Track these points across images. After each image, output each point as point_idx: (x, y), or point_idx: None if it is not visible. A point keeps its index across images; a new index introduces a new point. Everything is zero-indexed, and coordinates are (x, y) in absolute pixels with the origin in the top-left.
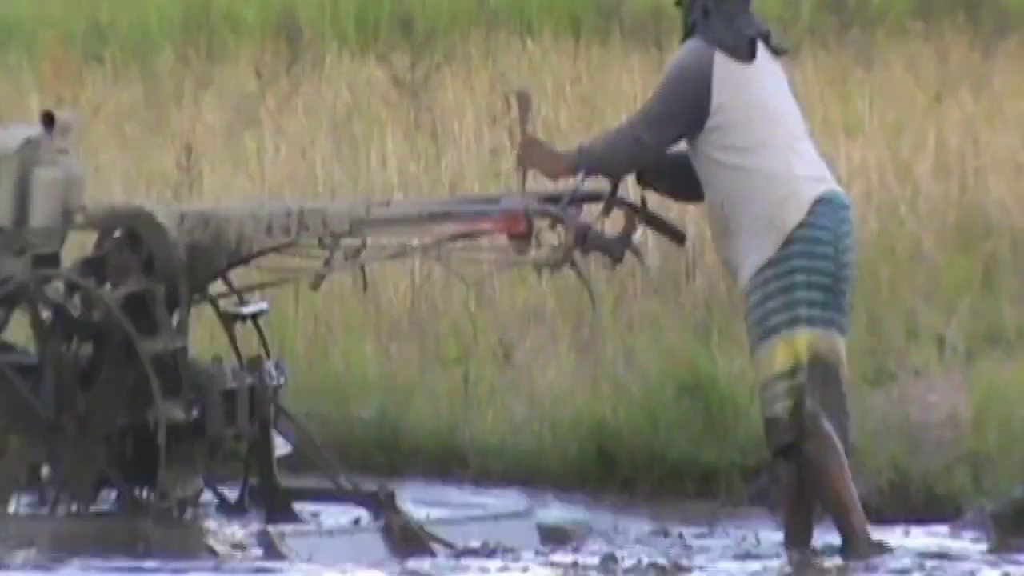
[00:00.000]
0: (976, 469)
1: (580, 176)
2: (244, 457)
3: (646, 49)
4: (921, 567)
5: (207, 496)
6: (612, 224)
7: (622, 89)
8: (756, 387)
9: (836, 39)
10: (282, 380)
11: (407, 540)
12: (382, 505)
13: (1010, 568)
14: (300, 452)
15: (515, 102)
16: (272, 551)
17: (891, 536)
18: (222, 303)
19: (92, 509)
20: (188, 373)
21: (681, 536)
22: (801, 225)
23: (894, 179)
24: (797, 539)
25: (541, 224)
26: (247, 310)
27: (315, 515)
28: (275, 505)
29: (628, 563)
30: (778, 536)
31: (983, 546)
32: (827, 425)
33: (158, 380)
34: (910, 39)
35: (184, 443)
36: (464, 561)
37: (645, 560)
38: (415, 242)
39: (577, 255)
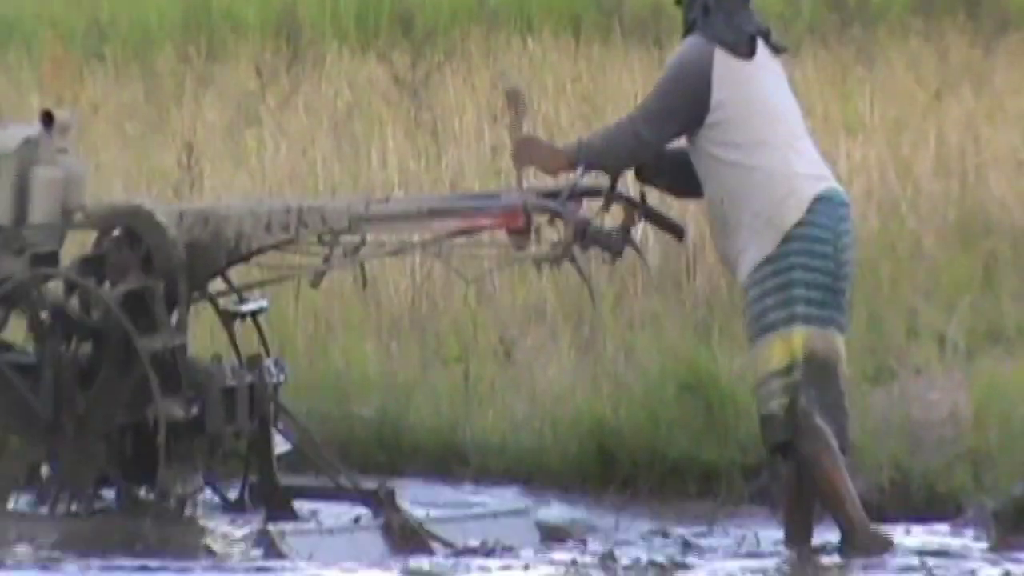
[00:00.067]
0: (977, 467)
1: (579, 171)
2: (244, 455)
3: (646, 48)
4: (922, 565)
5: (207, 494)
6: (612, 220)
7: (622, 87)
8: (752, 383)
9: (837, 37)
10: (282, 378)
11: (407, 538)
12: (382, 503)
13: (1011, 566)
14: (300, 450)
15: (506, 100)
16: (272, 549)
17: (892, 534)
18: (222, 301)
19: (92, 508)
20: (187, 371)
21: (681, 534)
22: (800, 223)
23: (895, 177)
24: (797, 537)
25: (540, 220)
26: (246, 308)
27: (315, 513)
28: (275, 503)
29: (627, 561)
30: (778, 534)
31: (984, 544)
32: (821, 422)
33: (157, 378)
34: (911, 37)
35: (184, 441)
36: (464, 560)
37: (644, 558)
38: (415, 239)
39: (576, 251)
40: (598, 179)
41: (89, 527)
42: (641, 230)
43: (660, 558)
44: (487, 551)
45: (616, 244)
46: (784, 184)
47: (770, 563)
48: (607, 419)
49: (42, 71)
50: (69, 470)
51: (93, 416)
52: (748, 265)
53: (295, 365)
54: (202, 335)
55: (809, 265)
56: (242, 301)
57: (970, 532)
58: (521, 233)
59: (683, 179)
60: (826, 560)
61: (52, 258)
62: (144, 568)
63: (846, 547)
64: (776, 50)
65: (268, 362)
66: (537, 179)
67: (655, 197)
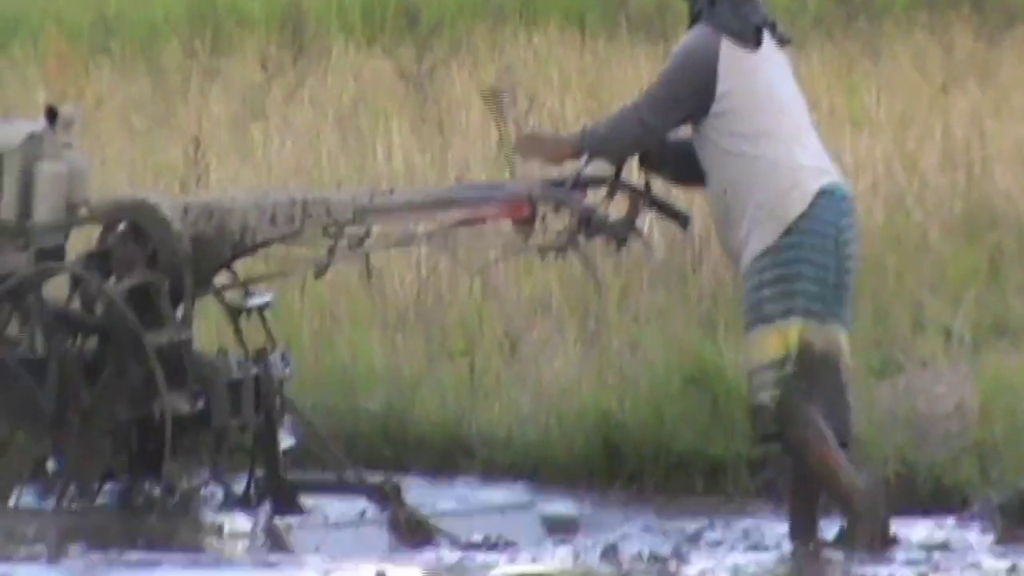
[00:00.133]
0: (983, 460)
1: (584, 160)
2: (250, 450)
3: (652, 42)
4: (928, 558)
5: (213, 489)
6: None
7: (628, 82)
8: (744, 371)
9: (842, 30)
10: (288, 372)
11: (413, 532)
12: (388, 497)
13: (1017, 559)
14: (306, 444)
15: (484, 102)
16: (278, 543)
17: (898, 527)
18: (227, 296)
19: (97, 502)
20: (193, 365)
21: (685, 528)
22: (803, 216)
23: (900, 170)
24: (802, 531)
25: (545, 209)
26: (252, 303)
27: (321, 508)
28: (281, 497)
29: (630, 554)
30: (784, 528)
31: (990, 537)
32: (811, 411)
33: (163, 373)
34: (916, 31)
35: (189, 435)
36: (469, 553)
37: (647, 552)
38: (420, 229)
39: (581, 240)
40: (603, 168)
41: (94, 522)
42: (648, 223)
43: (664, 552)
44: (492, 545)
45: (621, 232)
46: (788, 176)
47: (774, 557)
48: (613, 413)
49: (47, 66)
50: (75, 465)
51: (99, 411)
52: (749, 255)
53: (301, 358)
54: (207, 330)
55: (810, 259)
56: (248, 295)
57: (976, 525)
58: (526, 223)
59: (687, 168)
60: (831, 554)
61: (58, 253)
62: (150, 563)
63: (847, 535)
64: (782, 41)
65: (274, 356)
66: (540, 172)
67: (660, 187)
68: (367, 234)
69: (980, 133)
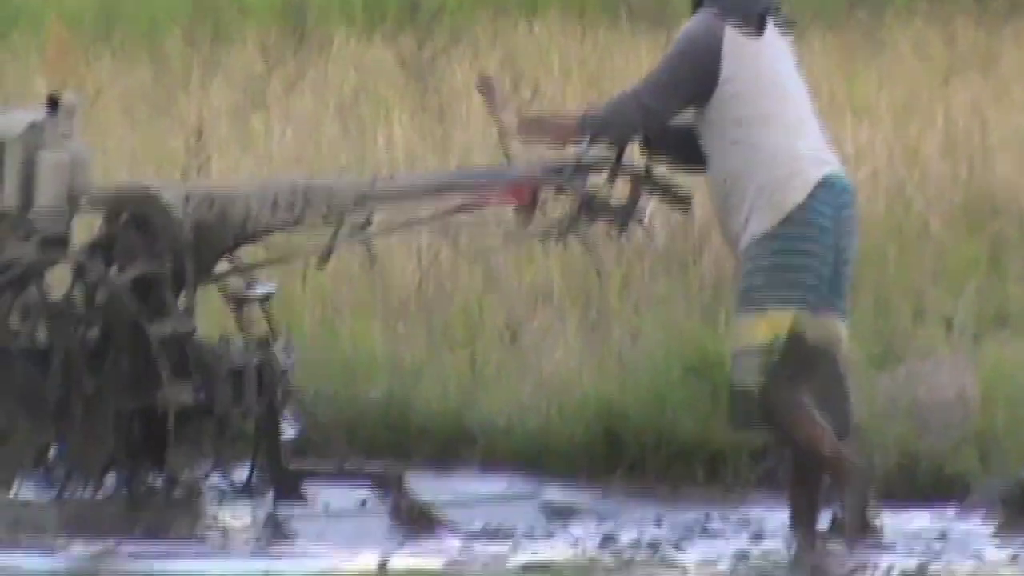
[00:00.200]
0: (984, 450)
1: (584, 144)
2: (253, 439)
3: (653, 31)
4: (928, 548)
5: (215, 479)
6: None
7: (629, 71)
8: (730, 354)
9: (844, 20)
10: (291, 361)
11: (414, 521)
12: (390, 486)
13: (1018, 549)
14: (308, 434)
15: (480, 90)
16: (280, 533)
17: (899, 517)
18: (230, 285)
19: (99, 491)
20: (196, 354)
21: (686, 517)
22: (801, 207)
23: (901, 160)
24: (802, 521)
25: (546, 194)
26: (255, 293)
27: (322, 497)
28: (283, 487)
29: (630, 543)
30: (784, 517)
31: (991, 527)
32: (796, 394)
33: (166, 363)
34: (917, 20)
35: (192, 424)
36: (471, 542)
37: (647, 540)
38: (421, 215)
39: (582, 224)
40: (604, 152)
41: (97, 511)
42: (649, 208)
43: (664, 540)
44: (493, 534)
45: (622, 217)
46: (788, 164)
47: (774, 546)
48: (614, 402)
49: (48, 55)
50: (77, 454)
51: (101, 400)
52: (746, 240)
53: (302, 347)
54: (208, 319)
55: (806, 250)
56: (250, 285)
57: (977, 514)
58: (527, 207)
59: (688, 152)
60: (830, 543)
61: (62, 242)
62: (152, 553)
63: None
64: (785, 27)
65: (277, 345)
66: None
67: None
68: (369, 221)
69: (981, 123)
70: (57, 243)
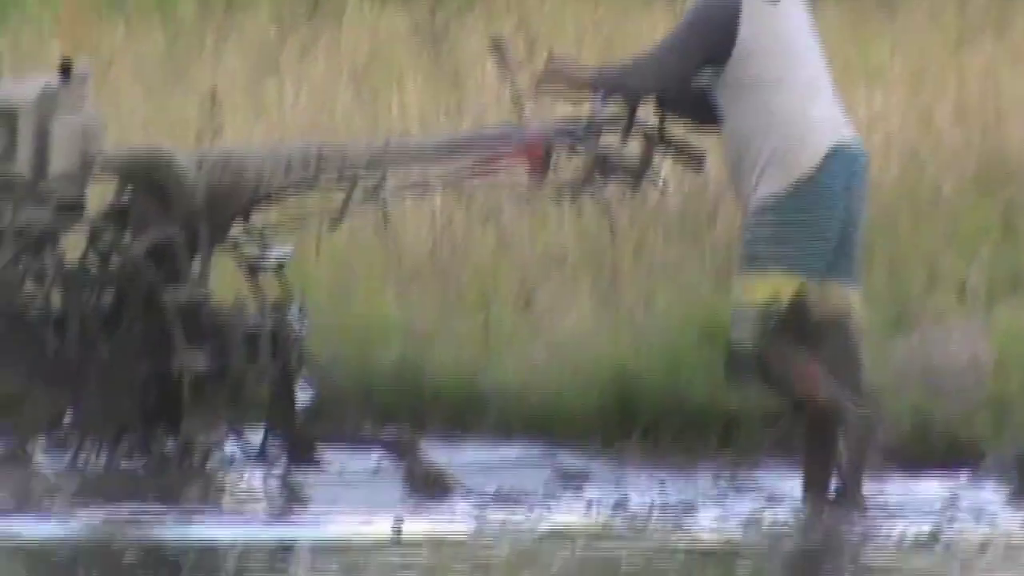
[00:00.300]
0: (998, 414)
1: (598, 102)
2: (266, 404)
3: None
4: (943, 512)
5: (229, 444)
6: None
7: (643, 35)
8: (730, 309)
9: None
10: (305, 326)
11: (428, 486)
12: (403, 451)
13: None
14: (322, 398)
15: (492, 52)
16: (294, 496)
17: (912, 483)
18: (244, 251)
19: (114, 457)
20: (210, 319)
21: (699, 481)
22: (811, 174)
23: (914, 125)
24: (815, 486)
25: (559, 151)
26: (270, 257)
27: (337, 461)
28: (297, 451)
29: (640, 506)
30: (797, 482)
31: (1005, 491)
32: (792, 348)
33: (181, 329)
34: None
35: (207, 389)
36: (484, 506)
37: (660, 505)
38: (435, 175)
39: (596, 181)
40: (617, 110)
41: (110, 477)
42: (663, 173)
43: (677, 505)
44: (506, 498)
45: (635, 175)
46: (800, 130)
47: (786, 511)
48: (627, 366)
49: (61, 20)
50: (91, 420)
51: (116, 366)
52: (755, 201)
53: (316, 312)
54: (223, 283)
55: (814, 217)
56: (265, 251)
57: (991, 479)
58: (540, 166)
59: (702, 110)
60: (844, 508)
61: (78, 207)
62: (166, 518)
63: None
64: None
65: (292, 310)
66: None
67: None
68: (382, 182)
69: (995, 88)
70: (72, 209)
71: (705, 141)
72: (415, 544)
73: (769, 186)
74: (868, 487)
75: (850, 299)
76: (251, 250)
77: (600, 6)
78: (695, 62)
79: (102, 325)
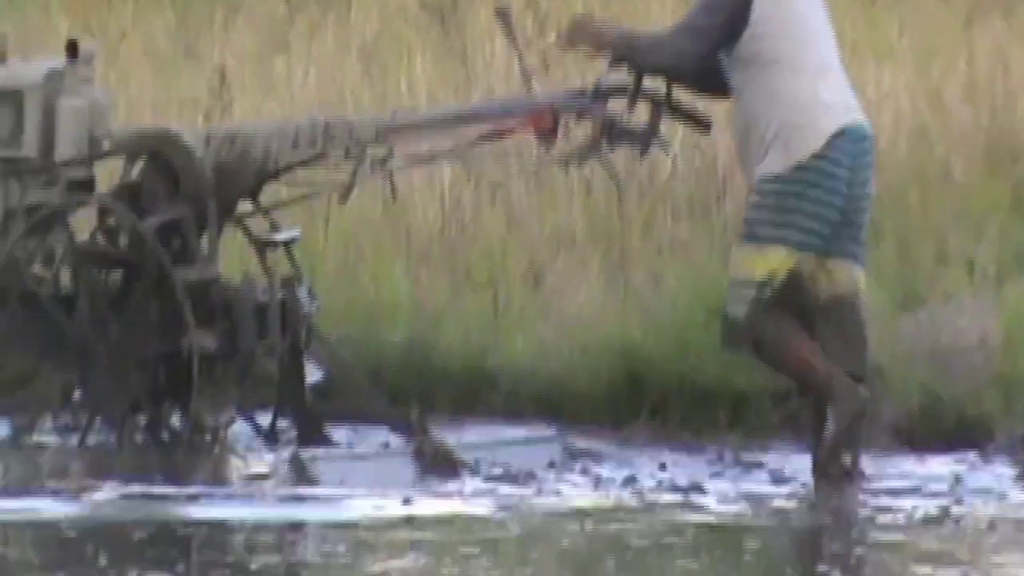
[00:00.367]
0: (1006, 393)
1: (605, 69)
2: (276, 382)
3: None
4: (951, 491)
5: (239, 423)
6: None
7: (652, 11)
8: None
9: None
10: (315, 306)
11: (437, 464)
12: (413, 429)
13: None
14: (332, 376)
15: (498, 21)
16: (303, 475)
17: (921, 461)
18: (254, 230)
19: (124, 436)
20: (220, 296)
21: (708, 460)
22: (816, 156)
23: (924, 104)
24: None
25: (567, 119)
26: (280, 237)
27: (346, 439)
28: (307, 430)
29: (649, 484)
30: (806, 461)
31: (1014, 470)
32: (783, 322)
33: (191, 308)
34: None
35: (216, 368)
36: (493, 484)
37: (669, 483)
38: (443, 146)
39: (604, 148)
40: (624, 77)
41: (120, 456)
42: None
43: (685, 483)
44: (515, 477)
45: (643, 139)
46: (807, 112)
47: (794, 489)
48: (636, 345)
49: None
50: (101, 399)
51: (126, 345)
52: (759, 175)
53: (324, 291)
54: (233, 262)
55: (815, 196)
56: (275, 230)
57: (1000, 458)
58: (548, 133)
59: (710, 78)
60: (852, 487)
61: (88, 185)
62: (175, 496)
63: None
64: None
65: (301, 290)
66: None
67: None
68: (390, 154)
69: (1004, 66)
70: (82, 188)
71: (713, 108)
72: (424, 523)
73: (773, 163)
74: (871, 465)
75: (856, 278)
76: (261, 230)
77: None
78: (712, 44)
79: (111, 304)
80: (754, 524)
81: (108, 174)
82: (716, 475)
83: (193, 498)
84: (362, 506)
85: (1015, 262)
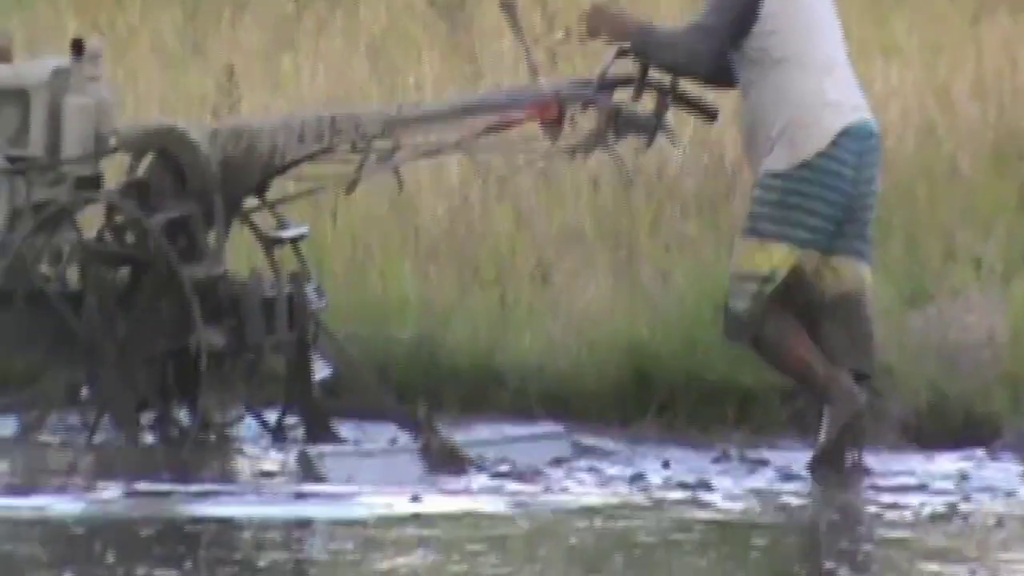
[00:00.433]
0: (1014, 390)
1: (610, 59)
2: (284, 379)
3: None
4: (959, 488)
5: (246, 420)
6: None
7: (660, 13)
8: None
9: None
10: (322, 304)
11: (445, 460)
12: (420, 426)
13: None
14: (340, 373)
15: (504, 12)
16: (311, 472)
17: (929, 458)
18: (262, 227)
19: (132, 434)
20: (228, 291)
21: (716, 457)
22: (821, 154)
23: (931, 100)
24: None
25: (573, 109)
26: (287, 234)
27: (354, 436)
28: (314, 426)
29: (657, 481)
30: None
31: (1021, 467)
32: (782, 318)
33: (199, 305)
34: None
35: (224, 365)
36: (500, 481)
37: (676, 480)
38: (450, 138)
39: (610, 138)
40: (630, 67)
41: (128, 453)
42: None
43: (689, 479)
44: (522, 473)
45: (649, 130)
46: (813, 110)
47: (800, 486)
48: (644, 342)
49: None
50: (109, 396)
51: (134, 342)
52: (763, 171)
53: (332, 289)
54: (240, 259)
55: (818, 194)
56: (282, 227)
57: (1007, 455)
58: (554, 124)
59: (717, 73)
60: (855, 483)
61: (95, 183)
62: (183, 495)
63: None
64: None
65: (309, 287)
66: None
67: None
68: (397, 147)
69: (1012, 63)
70: (89, 185)
71: (721, 103)
72: (432, 520)
73: (777, 161)
74: (878, 462)
75: (862, 276)
76: (269, 227)
77: None
78: (723, 42)
79: (119, 301)
80: (761, 521)
81: (115, 171)
82: (724, 472)
83: (201, 495)
84: (370, 503)
85: (1022, 258)
